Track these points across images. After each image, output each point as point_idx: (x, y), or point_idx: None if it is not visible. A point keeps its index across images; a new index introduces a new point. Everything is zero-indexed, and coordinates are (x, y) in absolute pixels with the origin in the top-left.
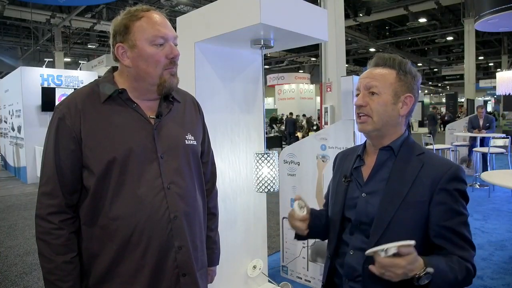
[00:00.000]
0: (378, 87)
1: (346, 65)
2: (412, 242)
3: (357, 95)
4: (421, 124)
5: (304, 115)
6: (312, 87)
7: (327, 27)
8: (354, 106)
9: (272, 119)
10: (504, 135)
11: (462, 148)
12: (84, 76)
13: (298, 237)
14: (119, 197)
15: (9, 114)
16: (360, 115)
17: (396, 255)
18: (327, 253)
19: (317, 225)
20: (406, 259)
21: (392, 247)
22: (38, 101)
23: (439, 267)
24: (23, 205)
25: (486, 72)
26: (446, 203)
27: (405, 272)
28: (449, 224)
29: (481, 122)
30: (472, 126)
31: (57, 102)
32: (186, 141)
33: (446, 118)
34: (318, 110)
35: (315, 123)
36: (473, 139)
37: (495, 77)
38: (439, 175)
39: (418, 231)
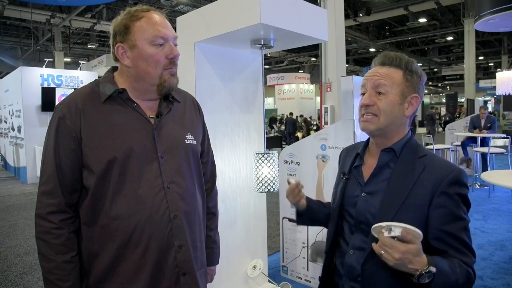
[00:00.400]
0: (386, 87)
1: (346, 65)
2: (420, 234)
3: (362, 93)
4: (421, 124)
5: (301, 116)
6: (312, 87)
7: (327, 27)
8: (357, 106)
9: (272, 119)
10: (504, 135)
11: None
12: (84, 76)
13: (299, 221)
14: (119, 196)
15: (9, 114)
16: (365, 114)
17: (399, 240)
18: (325, 249)
19: (315, 210)
20: (406, 246)
21: (397, 226)
22: (38, 101)
23: (442, 268)
24: (23, 205)
25: (486, 72)
26: (446, 207)
27: (403, 259)
28: (449, 229)
29: (482, 122)
30: (474, 126)
31: (57, 102)
32: (186, 140)
33: (447, 118)
34: (318, 110)
35: (314, 123)
36: (467, 137)
37: (495, 77)
38: (441, 178)
39: None
